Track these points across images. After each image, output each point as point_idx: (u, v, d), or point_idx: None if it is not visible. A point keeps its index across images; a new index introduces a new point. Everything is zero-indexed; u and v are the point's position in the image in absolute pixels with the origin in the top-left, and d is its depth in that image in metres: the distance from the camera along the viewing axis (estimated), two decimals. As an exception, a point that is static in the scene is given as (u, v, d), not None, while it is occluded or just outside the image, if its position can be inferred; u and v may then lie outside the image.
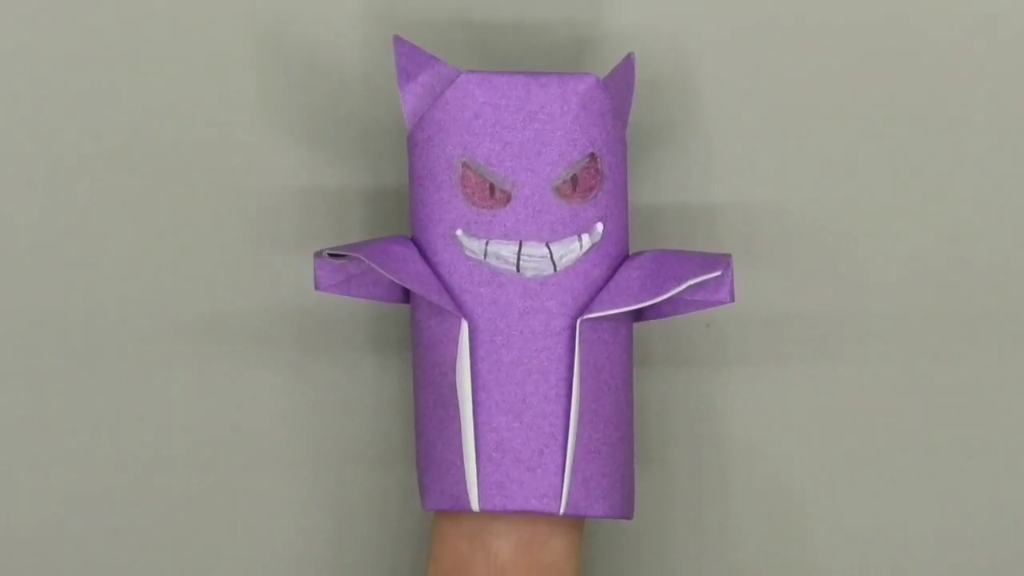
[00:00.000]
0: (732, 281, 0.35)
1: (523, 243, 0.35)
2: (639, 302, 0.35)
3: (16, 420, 0.41)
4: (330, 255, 0.35)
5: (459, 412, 0.35)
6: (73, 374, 0.41)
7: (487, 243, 0.35)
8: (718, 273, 0.35)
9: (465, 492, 0.35)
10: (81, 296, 0.40)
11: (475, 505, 0.35)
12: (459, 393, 0.35)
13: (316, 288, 0.36)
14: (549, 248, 0.35)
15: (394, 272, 0.35)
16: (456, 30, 0.39)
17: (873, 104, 0.40)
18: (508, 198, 0.35)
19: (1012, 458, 0.41)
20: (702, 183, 0.40)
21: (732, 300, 0.36)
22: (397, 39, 0.35)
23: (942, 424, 0.41)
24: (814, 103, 0.40)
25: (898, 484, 0.41)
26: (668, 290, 0.35)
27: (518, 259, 0.35)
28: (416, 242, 0.36)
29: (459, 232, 0.35)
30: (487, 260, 0.35)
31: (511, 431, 0.35)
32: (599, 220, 0.35)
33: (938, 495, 0.41)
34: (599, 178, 0.35)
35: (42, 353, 0.41)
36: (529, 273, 0.35)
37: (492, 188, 0.35)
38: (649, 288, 0.35)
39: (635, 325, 0.37)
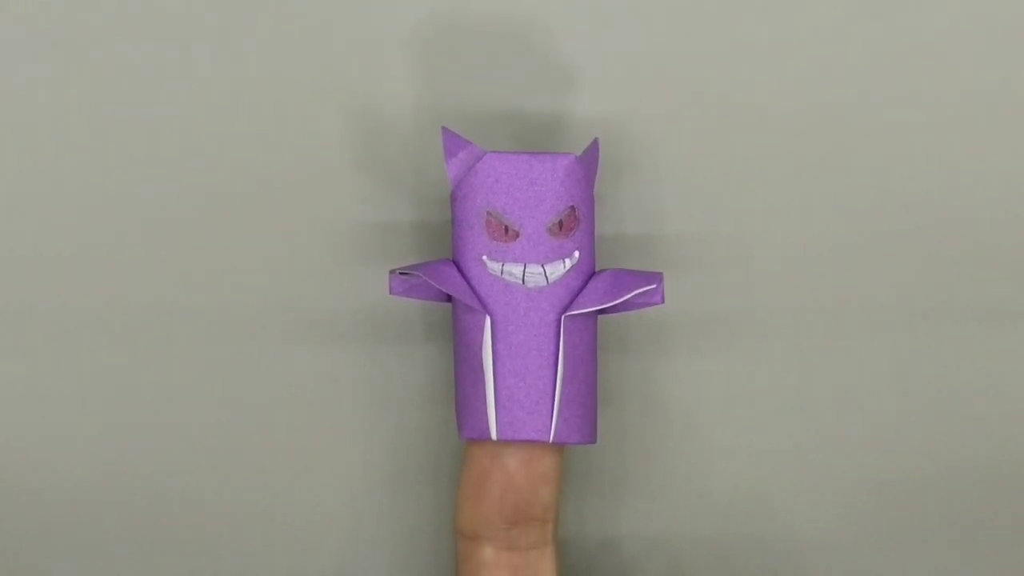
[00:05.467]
0: (663, 290, 0.39)
1: (527, 265, 0.38)
2: (602, 304, 0.38)
3: (177, 382, 0.43)
4: (400, 272, 0.39)
5: (484, 376, 0.38)
6: (219, 354, 0.43)
7: (503, 265, 0.38)
8: (654, 285, 0.39)
9: (488, 427, 0.38)
10: (222, 297, 0.43)
11: (494, 435, 0.38)
12: (484, 364, 0.38)
13: (390, 293, 0.39)
14: (544, 268, 0.38)
15: (442, 283, 0.38)
16: (480, 119, 0.42)
17: (763, 161, 0.42)
18: (517, 235, 0.38)
19: (863, 405, 0.44)
20: (643, 222, 0.42)
21: (663, 303, 0.39)
22: (444, 129, 0.39)
23: (811, 382, 0.44)
24: (720, 167, 0.42)
25: (778, 423, 0.44)
26: (621, 296, 0.38)
27: (523, 275, 0.38)
28: (456, 263, 0.39)
29: (484, 257, 0.38)
30: (503, 276, 0.38)
31: (518, 388, 0.38)
32: (576, 249, 0.39)
33: (807, 429, 0.44)
34: (577, 222, 0.39)
35: (197, 338, 0.43)
36: (530, 285, 0.38)
37: (507, 229, 0.38)
38: (609, 295, 0.38)
39: (599, 318, 0.41)
